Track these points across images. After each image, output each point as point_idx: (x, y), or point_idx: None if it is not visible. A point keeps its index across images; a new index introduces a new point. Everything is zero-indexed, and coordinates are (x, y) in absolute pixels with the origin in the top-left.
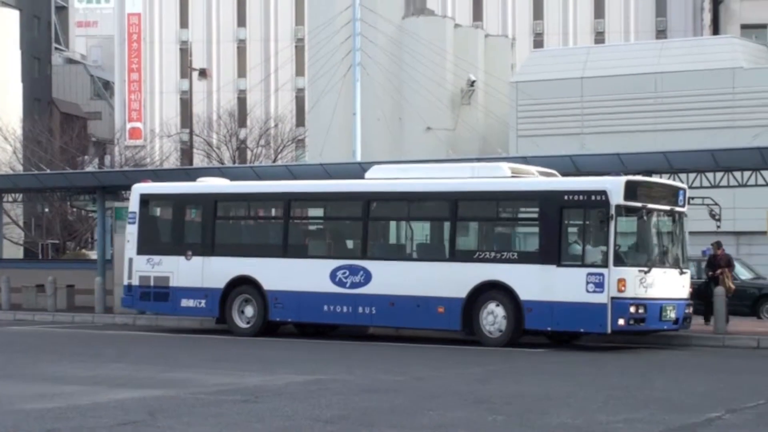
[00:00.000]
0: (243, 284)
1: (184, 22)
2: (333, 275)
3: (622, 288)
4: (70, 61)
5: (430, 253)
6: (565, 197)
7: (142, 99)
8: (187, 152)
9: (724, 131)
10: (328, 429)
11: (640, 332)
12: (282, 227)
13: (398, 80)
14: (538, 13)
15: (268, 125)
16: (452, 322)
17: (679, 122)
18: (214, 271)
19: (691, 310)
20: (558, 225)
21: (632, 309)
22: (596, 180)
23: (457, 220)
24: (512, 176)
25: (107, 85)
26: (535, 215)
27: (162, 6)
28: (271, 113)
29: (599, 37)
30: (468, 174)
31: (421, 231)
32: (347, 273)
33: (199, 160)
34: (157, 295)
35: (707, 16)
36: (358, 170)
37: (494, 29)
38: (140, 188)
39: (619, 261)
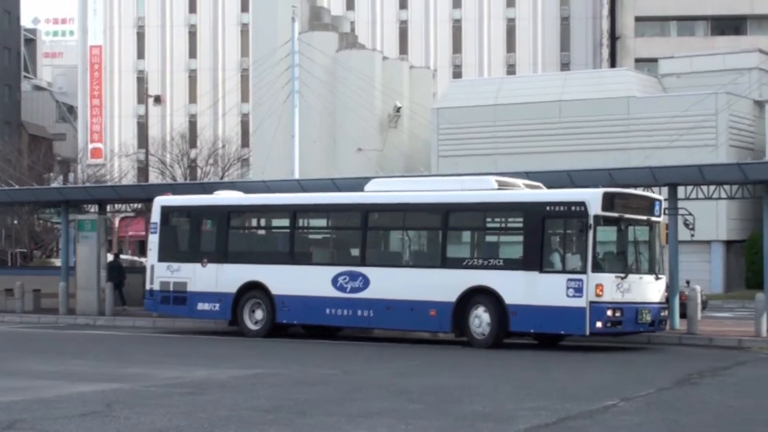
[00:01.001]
0: (253, 289)
1: (140, 54)
2: (335, 281)
3: (600, 293)
4: (38, 87)
5: (422, 260)
6: (547, 208)
7: (103, 122)
8: (143, 170)
9: (619, 152)
10: (266, 418)
11: (617, 334)
12: (288, 236)
13: (332, 106)
14: (457, 47)
15: (216, 146)
16: (443, 324)
17: (580, 145)
18: (227, 277)
19: (666, 313)
20: (540, 234)
21: (609, 312)
22: (576, 192)
23: (448, 230)
24: (499, 188)
25: (71, 110)
26: (520, 225)
27: (121, 39)
28: (219, 135)
29: (510, 69)
30: (458, 186)
31: (415, 240)
32: (347, 279)
33: (153, 177)
34: (175, 299)
35: (605, 51)
36: (297, 186)
37: (418, 61)
38: (162, 201)
39: (597, 267)
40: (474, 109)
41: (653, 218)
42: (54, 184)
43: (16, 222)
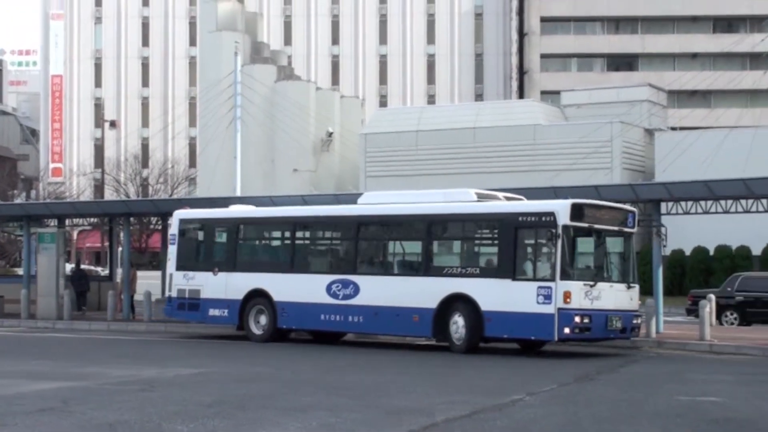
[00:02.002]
0: (258, 296)
1: (98, 82)
2: (329, 288)
3: (568, 300)
4: (3, 112)
5: (407, 269)
6: (520, 219)
7: (63, 144)
8: (99, 188)
9: (526, 174)
10: (209, 411)
11: (586, 340)
12: (289, 246)
13: (271, 131)
14: (383, 79)
15: (166, 166)
16: (425, 329)
17: (492, 167)
18: (234, 284)
19: (639, 320)
20: (513, 243)
21: (577, 319)
22: (546, 203)
23: (430, 240)
24: (477, 201)
25: (34, 133)
26: (495, 235)
27: (80, 69)
28: (168, 156)
29: (431, 99)
30: (441, 199)
31: (400, 249)
32: (340, 286)
33: (109, 194)
34: (190, 306)
35: (515, 84)
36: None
37: (348, 91)
38: (180, 214)
39: (566, 275)
40: (398, 135)
41: (626, 229)
42: (17, 201)
43: None
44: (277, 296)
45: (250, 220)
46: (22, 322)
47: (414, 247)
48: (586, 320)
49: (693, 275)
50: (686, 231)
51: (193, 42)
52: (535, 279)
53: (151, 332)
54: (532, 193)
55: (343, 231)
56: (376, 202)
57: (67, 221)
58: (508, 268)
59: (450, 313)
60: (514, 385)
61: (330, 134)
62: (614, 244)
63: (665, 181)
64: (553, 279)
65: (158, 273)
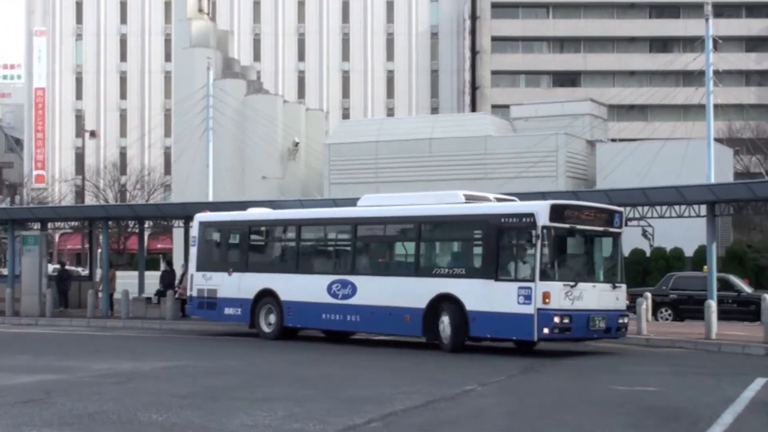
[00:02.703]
0: (267, 296)
1: (78, 95)
2: (329, 288)
3: (547, 300)
4: None
5: (399, 269)
6: (502, 220)
7: (45, 153)
8: (80, 194)
9: (478, 182)
10: (183, 402)
11: (566, 340)
12: (293, 248)
13: (241, 141)
14: (345, 93)
15: (143, 173)
16: (416, 329)
17: (446, 175)
18: (247, 284)
19: (626, 320)
20: (496, 244)
21: (556, 319)
22: (527, 204)
23: (419, 241)
24: (465, 202)
25: (18, 142)
26: (480, 236)
27: (62, 82)
28: (145, 164)
29: (390, 112)
30: (431, 201)
31: (393, 250)
32: (339, 286)
33: (89, 200)
34: (208, 305)
35: (467, 98)
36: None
37: (313, 104)
38: (200, 217)
39: (545, 276)
40: (359, 145)
41: (612, 229)
42: (2, 205)
43: None
44: (283, 296)
45: (259, 222)
46: (6, 319)
47: (405, 249)
48: (566, 320)
49: (630, 275)
50: (624, 234)
51: (168, 58)
52: (516, 279)
53: (128, 328)
54: (523, 197)
55: (341, 233)
56: (372, 205)
57: (49, 225)
58: (492, 268)
59: (439, 313)
60: (468, 377)
61: (296, 144)
62: (599, 245)
63: (606, 188)
64: (532, 279)
65: (135, 273)
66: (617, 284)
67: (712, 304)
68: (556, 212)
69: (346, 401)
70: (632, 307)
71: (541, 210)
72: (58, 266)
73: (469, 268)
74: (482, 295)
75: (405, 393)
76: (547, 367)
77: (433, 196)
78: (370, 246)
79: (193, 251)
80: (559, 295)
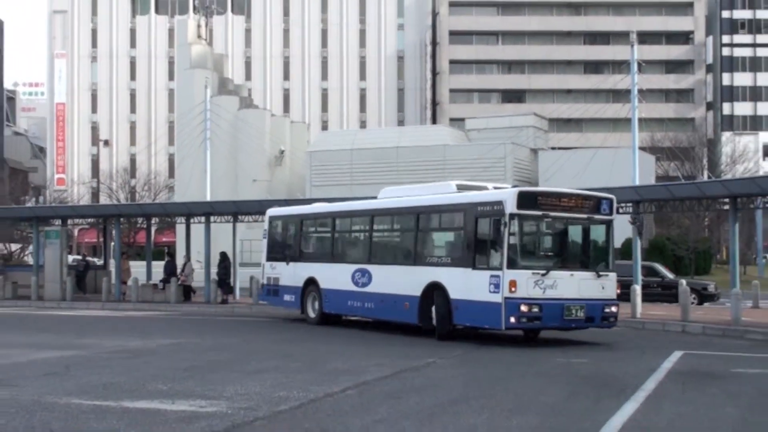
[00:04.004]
0: (312, 284)
1: (94, 109)
2: (353, 276)
3: (513, 289)
4: (16, 133)
5: (403, 258)
6: (479, 208)
7: (65, 159)
8: (95, 194)
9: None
10: (185, 374)
11: (536, 329)
12: (329, 239)
13: (234, 149)
14: (324, 107)
15: (150, 177)
16: (413, 316)
17: (411, 178)
18: (298, 273)
19: (614, 309)
20: (474, 233)
21: (523, 308)
22: (497, 192)
23: (417, 231)
24: (456, 192)
25: (42, 150)
26: (461, 225)
27: (79, 98)
28: (152, 169)
29: (363, 124)
30: (427, 192)
31: (396, 240)
32: (360, 275)
33: (103, 200)
34: (273, 292)
35: (429, 113)
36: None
37: (297, 117)
38: (269, 212)
39: (513, 264)
40: (337, 153)
41: (597, 216)
42: (28, 205)
43: None
44: (323, 284)
45: (306, 216)
46: (32, 303)
47: (405, 239)
48: (534, 309)
49: None
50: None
51: (171, 77)
52: (488, 268)
53: (138, 311)
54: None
55: (361, 224)
56: (388, 197)
57: (69, 221)
58: (470, 257)
59: (431, 302)
60: (432, 352)
61: (282, 152)
62: (582, 232)
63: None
64: (501, 267)
65: (143, 263)
66: (602, 273)
67: (637, 288)
68: (526, 200)
69: (326, 372)
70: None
71: (509, 198)
72: (80, 257)
73: (453, 257)
74: (462, 284)
75: (377, 365)
76: (497, 343)
77: (429, 187)
78: (380, 237)
79: (264, 243)
80: (526, 284)
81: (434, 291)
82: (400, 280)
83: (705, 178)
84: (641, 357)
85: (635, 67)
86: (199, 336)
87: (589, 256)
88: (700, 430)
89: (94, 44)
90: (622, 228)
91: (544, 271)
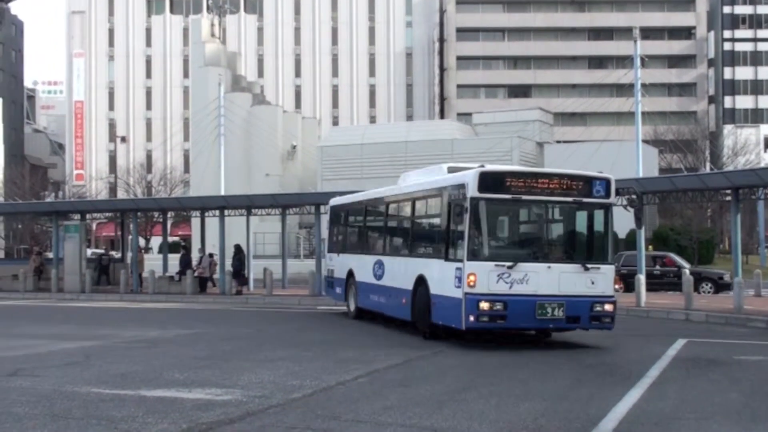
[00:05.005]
0: (351, 276)
1: (111, 106)
2: (373, 268)
3: (472, 283)
4: (36, 130)
5: (402, 249)
6: (449, 193)
7: (84, 155)
8: (113, 189)
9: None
10: (201, 363)
11: (501, 330)
12: (361, 230)
13: (247, 144)
14: (335, 103)
15: (166, 172)
16: (407, 312)
17: None
18: (343, 265)
19: (606, 307)
20: (447, 220)
21: (483, 305)
22: (462, 174)
23: (412, 219)
24: (447, 174)
25: (60, 146)
26: (437, 212)
27: (97, 96)
28: (167, 164)
29: (372, 120)
30: (422, 178)
31: (398, 229)
32: (378, 266)
33: (121, 195)
34: (330, 284)
35: (437, 108)
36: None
37: (308, 113)
38: (330, 201)
39: (473, 255)
40: (347, 147)
41: (588, 200)
42: (48, 200)
43: (20, 226)
44: (357, 276)
45: (345, 206)
46: (52, 295)
47: (404, 227)
48: (497, 307)
49: None
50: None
51: (186, 75)
52: (455, 260)
53: (155, 302)
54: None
55: (376, 213)
56: (405, 183)
57: (87, 215)
58: (443, 248)
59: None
60: (438, 343)
61: (294, 147)
62: (567, 218)
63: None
64: (463, 259)
65: (160, 255)
66: (592, 265)
67: (642, 278)
68: (491, 181)
69: (337, 361)
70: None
71: (471, 180)
72: (101, 251)
73: (433, 248)
74: (438, 278)
75: (386, 354)
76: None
77: (427, 171)
78: (391, 225)
79: (326, 234)
80: (488, 278)
81: (420, 286)
82: (400, 273)
83: (707, 169)
84: (645, 345)
85: (638, 61)
86: (214, 326)
87: (575, 246)
88: (704, 415)
89: (111, 43)
90: (629, 217)
91: (510, 263)
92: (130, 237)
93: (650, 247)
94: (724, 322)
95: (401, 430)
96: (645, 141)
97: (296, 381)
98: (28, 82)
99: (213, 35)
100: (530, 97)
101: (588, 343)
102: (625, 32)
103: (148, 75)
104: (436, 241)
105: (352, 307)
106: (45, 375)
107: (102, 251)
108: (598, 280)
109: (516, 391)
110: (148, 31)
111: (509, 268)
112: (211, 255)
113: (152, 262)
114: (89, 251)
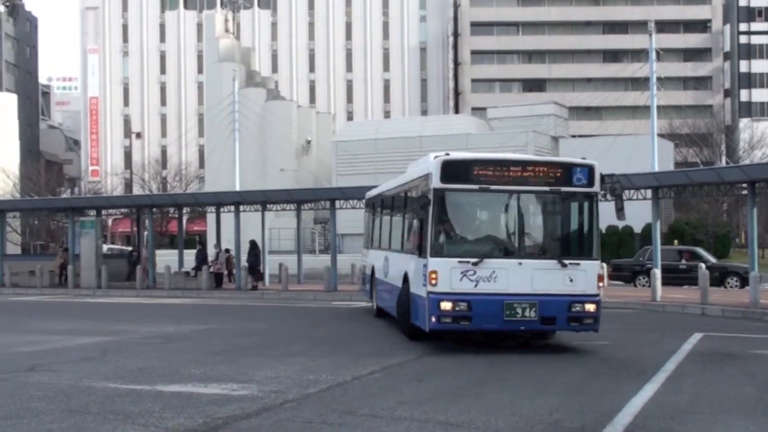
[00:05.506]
0: (373, 273)
1: (126, 102)
2: (383, 265)
3: (434, 281)
4: (51, 126)
5: (397, 245)
6: (419, 184)
7: (99, 151)
8: (128, 185)
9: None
10: (217, 358)
11: (465, 332)
12: (376, 224)
13: (262, 140)
14: (349, 98)
15: (181, 168)
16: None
17: None
18: (367, 261)
19: (588, 307)
20: (422, 213)
21: (445, 305)
22: (430, 162)
23: (403, 213)
24: (422, 166)
25: (76, 142)
26: (415, 205)
27: (111, 92)
28: (182, 160)
29: (386, 114)
30: (416, 168)
31: (396, 224)
32: (386, 263)
33: (136, 190)
34: (363, 281)
35: (451, 102)
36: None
37: (322, 108)
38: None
39: (436, 251)
40: (361, 142)
41: (568, 189)
42: (64, 196)
43: (36, 222)
44: (376, 273)
45: (369, 200)
46: (69, 290)
47: (397, 221)
48: (461, 307)
49: None
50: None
51: (200, 70)
52: (423, 255)
53: (171, 297)
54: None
55: (385, 207)
56: (402, 176)
57: (103, 211)
58: (417, 243)
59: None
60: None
61: (308, 142)
62: (542, 209)
63: None
64: (427, 255)
65: (175, 251)
66: (571, 261)
67: (657, 272)
68: (455, 170)
69: (353, 355)
70: (615, 276)
71: (434, 169)
72: (130, 248)
73: (413, 244)
74: (414, 276)
75: (403, 350)
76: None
77: (418, 162)
78: (391, 220)
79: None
80: (451, 276)
81: (405, 283)
82: (396, 270)
83: (723, 163)
84: (661, 339)
85: (653, 55)
86: (230, 321)
87: (552, 241)
88: (720, 409)
89: (125, 39)
90: (639, 212)
91: (476, 260)
92: (145, 233)
93: (675, 241)
94: (740, 317)
95: (417, 424)
96: (660, 135)
97: (312, 376)
98: (42, 79)
99: (227, 31)
100: (545, 92)
101: (602, 338)
102: (640, 26)
103: (163, 71)
104: (413, 235)
105: (374, 305)
106: (62, 370)
107: (130, 248)
108: (577, 277)
109: (530, 386)
110: (162, 26)
111: (474, 264)
112: (227, 250)
113: (167, 258)
114: (105, 247)
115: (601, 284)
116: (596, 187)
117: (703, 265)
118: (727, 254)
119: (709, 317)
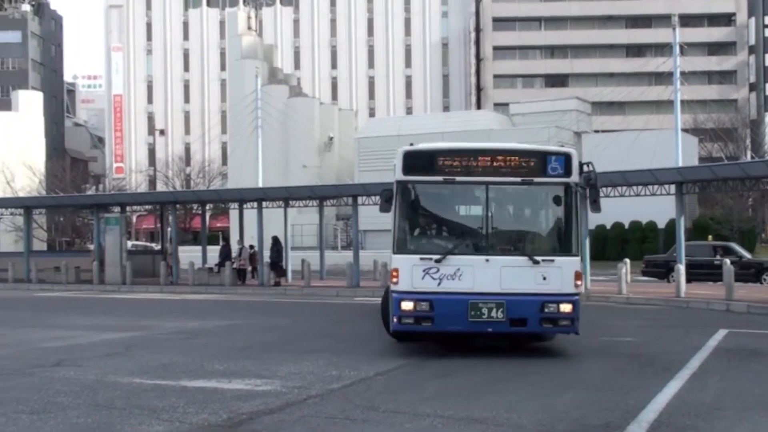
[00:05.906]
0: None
1: (150, 100)
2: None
3: (395, 279)
4: (76, 124)
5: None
6: (395, 176)
7: (123, 148)
8: (152, 182)
9: None
10: (240, 354)
11: (429, 334)
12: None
13: (284, 136)
14: (371, 95)
15: (204, 165)
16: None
17: None
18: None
19: (562, 307)
20: (397, 206)
21: (406, 305)
22: (399, 151)
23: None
24: None
25: (100, 140)
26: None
27: (135, 90)
28: (206, 157)
29: (408, 111)
30: None
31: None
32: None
33: (160, 187)
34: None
35: (474, 98)
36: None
37: (344, 105)
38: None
39: (399, 248)
40: (384, 139)
41: (542, 179)
42: (89, 193)
43: (62, 219)
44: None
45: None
46: (94, 286)
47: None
48: (422, 307)
49: (613, 245)
50: (606, 211)
51: (223, 68)
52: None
53: (194, 293)
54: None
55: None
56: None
57: (127, 208)
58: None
59: None
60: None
61: (331, 139)
62: (512, 202)
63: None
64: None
65: (199, 247)
66: (544, 257)
67: (681, 268)
68: (418, 161)
69: (376, 353)
70: (648, 272)
71: (397, 161)
72: (159, 246)
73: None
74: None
75: (422, 349)
76: None
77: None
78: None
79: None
80: (412, 273)
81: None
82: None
83: (748, 158)
84: (686, 335)
85: (677, 49)
86: (253, 317)
87: (524, 235)
88: (746, 406)
89: (149, 37)
90: (664, 207)
91: (438, 256)
92: (169, 229)
93: (710, 237)
94: (766, 313)
95: (440, 420)
96: (684, 130)
97: (335, 371)
98: (67, 77)
99: (249, 28)
100: (567, 87)
101: (625, 335)
102: (663, 20)
103: (186, 68)
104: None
105: None
106: (88, 365)
107: (154, 244)
108: (551, 275)
109: (553, 383)
110: (186, 24)
111: (437, 261)
112: (251, 246)
113: (190, 254)
114: (129, 243)
115: (579, 282)
116: (574, 177)
117: (727, 261)
118: (753, 250)
119: (735, 313)
